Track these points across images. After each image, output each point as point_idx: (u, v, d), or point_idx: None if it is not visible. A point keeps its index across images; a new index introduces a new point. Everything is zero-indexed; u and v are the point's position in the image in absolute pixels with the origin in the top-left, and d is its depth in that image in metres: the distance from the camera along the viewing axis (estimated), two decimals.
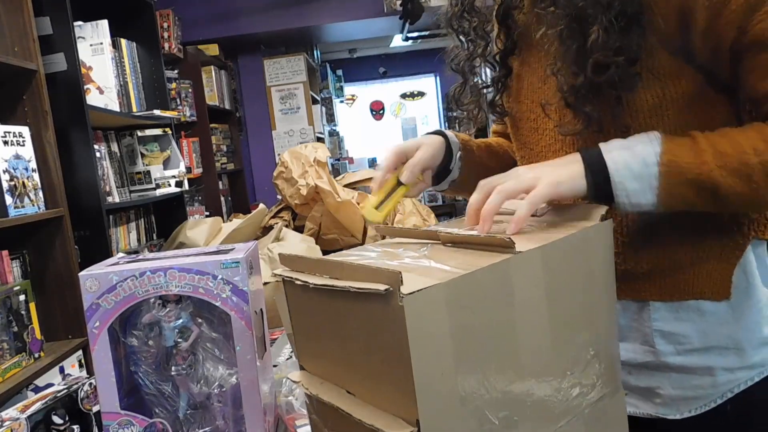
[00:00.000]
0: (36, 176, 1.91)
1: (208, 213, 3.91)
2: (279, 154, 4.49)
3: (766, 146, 0.66)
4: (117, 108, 2.50)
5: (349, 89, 8.20)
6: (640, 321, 0.81)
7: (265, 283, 2.36)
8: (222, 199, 4.57)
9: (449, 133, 0.95)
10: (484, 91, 0.94)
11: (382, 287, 0.50)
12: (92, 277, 0.80)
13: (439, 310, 0.52)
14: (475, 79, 0.94)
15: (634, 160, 0.69)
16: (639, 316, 0.81)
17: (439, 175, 0.94)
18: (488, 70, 0.95)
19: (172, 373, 0.85)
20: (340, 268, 0.57)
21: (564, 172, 0.70)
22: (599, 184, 0.70)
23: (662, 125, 0.74)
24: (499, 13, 0.90)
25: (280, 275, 0.65)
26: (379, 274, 0.51)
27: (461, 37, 0.93)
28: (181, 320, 0.84)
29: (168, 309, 0.84)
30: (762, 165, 0.66)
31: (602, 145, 0.71)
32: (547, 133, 0.86)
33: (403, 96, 8.56)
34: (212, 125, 4.54)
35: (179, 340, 0.85)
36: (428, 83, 8.44)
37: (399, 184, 0.86)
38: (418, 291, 0.50)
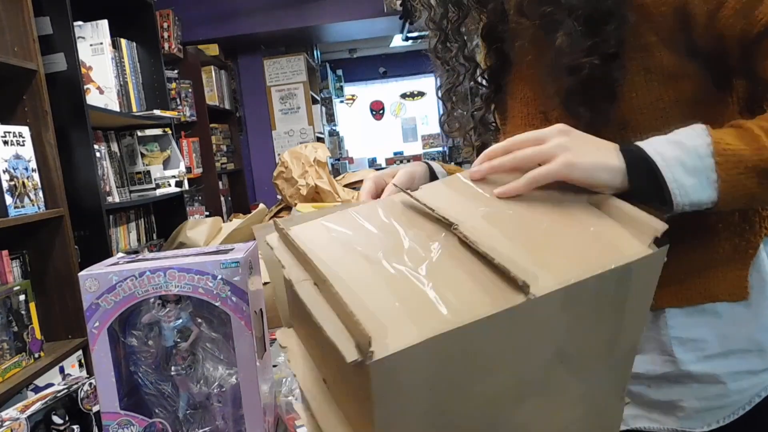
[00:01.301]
0: (36, 176, 1.91)
1: (208, 213, 3.91)
2: (279, 154, 4.49)
3: None
4: (117, 108, 2.50)
5: (349, 89, 8.20)
6: (656, 330, 0.79)
7: (265, 283, 2.35)
8: (222, 199, 4.57)
9: (435, 164, 0.93)
10: (476, 113, 0.94)
11: (351, 350, 0.44)
12: (92, 277, 0.80)
13: (417, 369, 0.46)
14: (458, 110, 0.95)
15: (685, 153, 0.61)
16: (655, 325, 0.79)
17: None
18: (473, 98, 0.95)
19: (172, 373, 0.85)
20: (323, 283, 0.51)
21: (595, 158, 0.62)
22: (641, 182, 0.61)
23: (666, 125, 0.73)
24: (484, 32, 0.89)
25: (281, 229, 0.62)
26: (352, 326, 0.45)
27: (445, 65, 0.93)
28: (180, 320, 0.84)
29: (168, 309, 0.84)
30: None
31: (640, 143, 0.64)
32: None
33: (403, 96, 8.56)
34: (212, 125, 4.54)
35: (179, 340, 0.85)
36: (428, 83, 8.43)
37: None
38: (388, 356, 0.44)
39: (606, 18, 0.69)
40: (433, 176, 0.89)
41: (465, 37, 0.91)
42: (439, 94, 0.96)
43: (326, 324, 0.47)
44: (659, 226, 0.56)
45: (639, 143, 0.63)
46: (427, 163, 0.91)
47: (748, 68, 0.69)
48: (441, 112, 1.02)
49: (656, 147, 0.62)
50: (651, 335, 0.79)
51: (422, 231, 0.60)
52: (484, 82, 0.92)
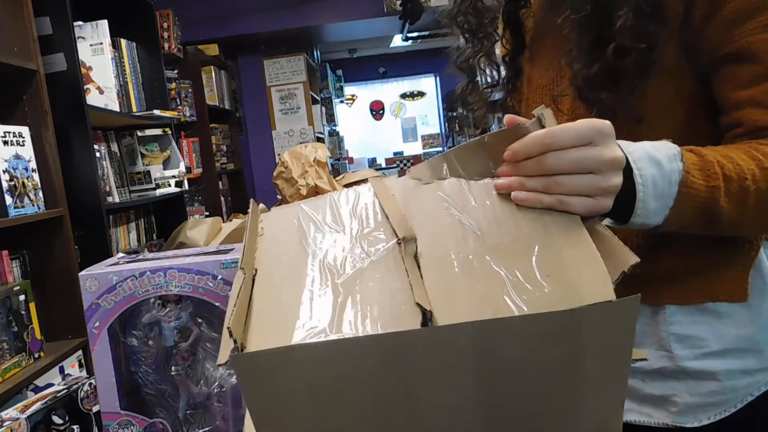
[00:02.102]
0: (36, 176, 1.91)
1: (208, 213, 3.91)
2: (279, 154, 4.49)
3: (761, 172, 0.64)
4: (117, 108, 2.50)
5: (349, 89, 8.20)
6: (655, 325, 0.79)
7: None
8: (222, 199, 4.57)
9: None
10: (488, 90, 0.93)
11: (229, 346, 0.45)
12: (92, 277, 0.80)
13: (292, 374, 0.44)
14: (479, 78, 0.93)
15: (660, 176, 0.60)
16: (654, 321, 0.79)
17: None
18: (493, 71, 0.93)
19: (172, 374, 0.85)
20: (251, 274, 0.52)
21: (607, 204, 0.57)
22: (619, 197, 0.59)
23: (674, 122, 0.74)
24: (505, 14, 0.89)
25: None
26: (237, 319, 0.46)
27: (466, 34, 0.92)
28: (180, 320, 0.84)
29: (168, 309, 0.84)
30: (757, 192, 0.64)
31: (629, 150, 0.60)
32: None
33: (403, 96, 8.56)
34: (212, 125, 4.54)
35: (179, 340, 0.85)
36: (428, 83, 8.44)
37: None
38: (251, 353, 0.44)
39: (660, 5, 0.69)
40: None
41: (488, 12, 0.90)
42: (458, 64, 0.93)
43: (228, 314, 0.48)
44: (631, 260, 0.48)
45: (628, 152, 0.60)
46: None
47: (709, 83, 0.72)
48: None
49: (640, 164, 0.60)
50: (649, 330, 0.80)
51: (379, 232, 0.58)
52: (502, 64, 0.91)
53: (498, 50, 0.92)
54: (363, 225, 0.60)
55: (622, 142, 0.60)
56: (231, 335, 0.45)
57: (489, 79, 0.93)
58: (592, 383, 0.46)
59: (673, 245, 0.77)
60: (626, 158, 0.59)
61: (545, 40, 0.86)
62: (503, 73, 0.92)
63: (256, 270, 0.55)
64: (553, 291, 0.46)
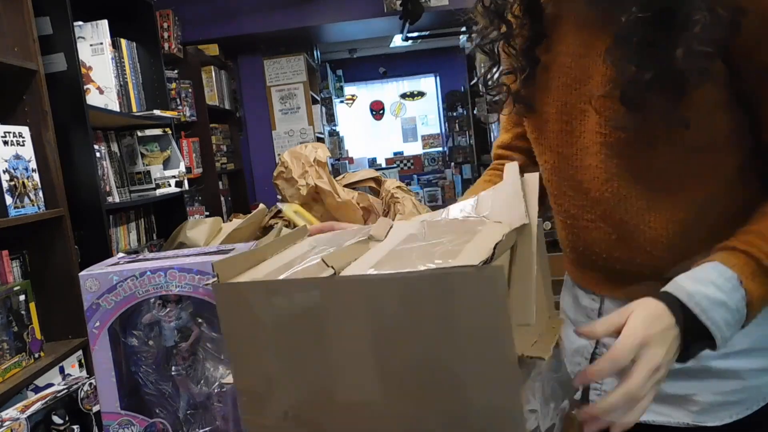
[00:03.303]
0: (36, 176, 1.91)
1: (208, 213, 3.91)
2: (279, 154, 4.49)
3: None
4: (117, 108, 2.50)
5: (349, 89, 8.20)
6: None
7: None
8: (222, 199, 4.57)
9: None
10: (506, 76, 0.89)
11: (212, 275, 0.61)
12: (92, 277, 0.80)
13: (258, 305, 0.59)
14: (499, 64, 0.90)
15: (731, 314, 0.67)
16: None
17: None
18: (513, 58, 0.89)
19: (172, 373, 0.85)
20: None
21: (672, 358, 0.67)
22: (697, 345, 0.68)
23: (716, 126, 0.73)
24: (524, 1, 0.85)
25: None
26: (228, 262, 0.62)
27: (491, 16, 0.87)
28: (181, 320, 0.84)
29: (168, 309, 0.84)
30: None
31: (693, 302, 0.67)
32: (584, 135, 0.81)
33: (403, 96, 8.57)
34: (212, 125, 4.53)
35: (179, 340, 0.85)
36: (428, 83, 8.44)
37: None
38: (230, 282, 0.59)
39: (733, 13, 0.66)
40: None
41: None
42: (482, 46, 0.90)
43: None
44: (526, 320, 0.59)
45: (693, 305, 0.66)
46: None
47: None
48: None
49: (710, 314, 0.66)
50: None
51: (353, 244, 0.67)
52: (519, 53, 0.87)
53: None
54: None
55: (681, 291, 0.67)
56: (213, 269, 0.61)
57: (506, 66, 0.90)
58: (473, 354, 0.52)
59: (698, 250, 0.75)
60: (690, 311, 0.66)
61: (568, 32, 0.82)
62: (519, 61, 0.87)
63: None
64: (442, 255, 0.55)
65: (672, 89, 0.69)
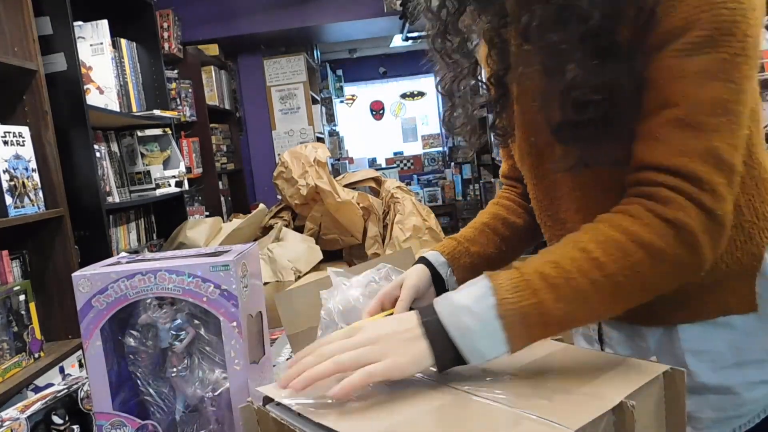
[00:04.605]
0: (36, 176, 1.91)
1: (208, 213, 3.91)
2: (279, 154, 4.49)
3: (586, 265, 0.64)
4: (117, 108, 2.50)
5: (349, 89, 8.20)
6: (670, 344, 0.79)
7: (265, 283, 2.36)
8: (222, 199, 4.57)
9: (432, 255, 0.95)
10: (475, 113, 0.90)
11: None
12: (85, 278, 0.80)
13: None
14: (460, 108, 0.91)
15: (474, 321, 0.64)
16: (669, 339, 0.79)
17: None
18: (477, 94, 0.91)
19: (168, 375, 0.85)
20: None
21: (408, 356, 0.64)
22: (446, 351, 0.65)
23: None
24: (487, 33, 0.85)
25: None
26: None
27: (444, 58, 0.89)
28: (176, 322, 0.84)
29: (164, 310, 0.84)
30: (594, 284, 0.64)
31: (439, 307, 0.66)
32: (554, 168, 0.82)
33: (403, 96, 8.56)
34: (212, 125, 4.54)
35: (173, 342, 0.84)
36: (428, 83, 8.43)
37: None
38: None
39: (612, 52, 0.66)
40: (436, 277, 0.92)
41: (465, 33, 0.87)
42: (440, 89, 0.93)
43: None
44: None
45: (437, 305, 0.66)
46: (425, 263, 0.93)
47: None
48: (442, 109, 1.01)
49: (453, 319, 0.64)
50: (665, 349, 0.79)
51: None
52: (487, 86, 0.89)
53: (485, 72, 0.90)
54: None
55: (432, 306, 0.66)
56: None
57: (472, 103, 0.90)
58: None
59: None
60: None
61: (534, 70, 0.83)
62: (490, 93, 0.88)
63: None
64: None
65: (587, 133, 0.69)
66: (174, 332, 0.84)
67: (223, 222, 3.08)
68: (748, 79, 0.64)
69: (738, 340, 0.76)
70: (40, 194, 1.92)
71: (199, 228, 2.84)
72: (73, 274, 0.80)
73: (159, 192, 2.75)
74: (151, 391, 0.86)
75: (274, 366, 1.09)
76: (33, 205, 1.87)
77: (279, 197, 3.00)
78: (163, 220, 3.00)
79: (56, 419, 0.95)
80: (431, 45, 0.91)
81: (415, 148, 8.39)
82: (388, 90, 8.55)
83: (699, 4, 0.62)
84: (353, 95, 8.47)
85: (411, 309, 0.86)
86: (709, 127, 0.63)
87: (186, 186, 2.98)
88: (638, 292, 0.66)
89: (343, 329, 0.70)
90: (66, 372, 1.95)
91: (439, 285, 0.93)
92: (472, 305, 0.64)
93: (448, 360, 0.65)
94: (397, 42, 6.57)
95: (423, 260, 0.94)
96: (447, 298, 0.67)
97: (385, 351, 0.64)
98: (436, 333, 0.65)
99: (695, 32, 0.62)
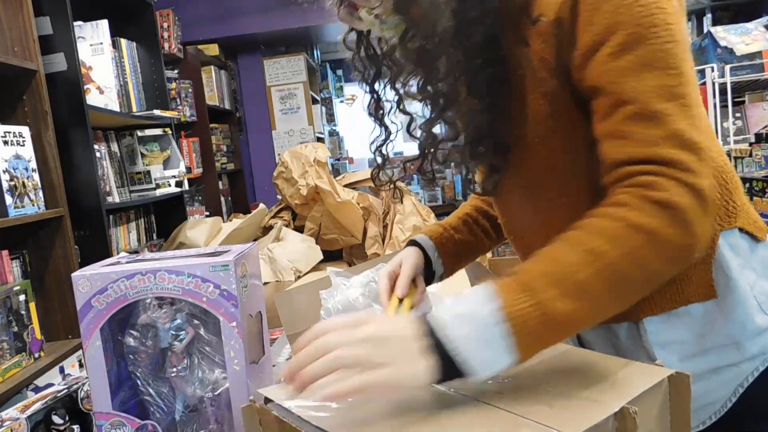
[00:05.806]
0: (36, 176, 1.91)
1: (208, 213, 3.91)
2: (279, 154, 4.49)
3: (584, 257, 0.62)
4: (117, 108, 2.50)
5: (349, 89, 8.19)
6: (638, 339, 0.80)
7: (265, 283, 2.36)
8: (222, 199, 4.57)
9: (422, 239, 1.00)
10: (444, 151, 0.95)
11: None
12: (84, 278, 0.80)
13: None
14: (389, 167, 0.98)
15: (475, 330, 0.60)
16: (636, 334, 0.80)
17: (429, 277, 0.99)
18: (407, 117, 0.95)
19: (168, 375, 0.85)
20: None
21: (412, 368, 0.60)
22: (448, 368, 0.61)
23: (581, 162, 0.75)
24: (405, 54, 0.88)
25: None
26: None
27: (377, 122, 0.95)
28: (176, 322, 0.84)
29: (164, 310, 0.84)
30: (596, 274, 0.62)
31: (439, 321, 0.61)
32: (505, 187, 0.85)
33: None
34: (212, 125, 4.54)
35: (173, 341, 0.85)
36: None
37: (400, 300, 0.92)
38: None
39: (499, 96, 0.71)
40: (425, 254, 0.98)
41: (402, 91, 0.94)
42: (372, 149, 0.99)
43: None
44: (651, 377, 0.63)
45: (438, 319, 0.62)
46: (417, 246, 0.99)
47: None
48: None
49: (455, 332, 0.60)
50: (637, 343, 0.81)
51: None
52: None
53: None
54: None
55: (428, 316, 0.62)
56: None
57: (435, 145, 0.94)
58: None
59: None
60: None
61: None
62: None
63: None
64: None
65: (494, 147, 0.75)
66: (174, 332, 0.84)
67: (223, 222, 3.08)
68: (685, 61, 0.66)
69: (700, 329, 0.77)
70: (40, 194, 1.92)
71: (199, 228, 2.84)
72: (73, 274, 0.80)
73: (159, 192, 2.75)
74: (150, 391, 0.86)
75: (274, 366, 1.09)
76: (33, 205, 1.87)
77: (279, 197, 3.01)
78: (163, 220, 3.00)
79: (56, 419, 0.95)
80: (353, 68, 0.97)
81: (415, 148, 8.39)
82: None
83: (614, 9, 0.65)
84: (353, 95, 8.46)
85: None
86: (663, 114, 0.65)
87: (186, 186, 2.98)
88: (641, 280, 0.65)
89: (348, 318, 0.65)
90: (66, 372, 1.95)
91: (427, 267, 0.98)
92: (473, 310, 0.61)
93: (451, 374, 0.62)
94: None
95: (414, 243, 0.99)
96: (451, 307, 0.63)
97: (389, 356, 0.60)
98: (441, 350, 0.60)
99: (620, 34, 0.65)
